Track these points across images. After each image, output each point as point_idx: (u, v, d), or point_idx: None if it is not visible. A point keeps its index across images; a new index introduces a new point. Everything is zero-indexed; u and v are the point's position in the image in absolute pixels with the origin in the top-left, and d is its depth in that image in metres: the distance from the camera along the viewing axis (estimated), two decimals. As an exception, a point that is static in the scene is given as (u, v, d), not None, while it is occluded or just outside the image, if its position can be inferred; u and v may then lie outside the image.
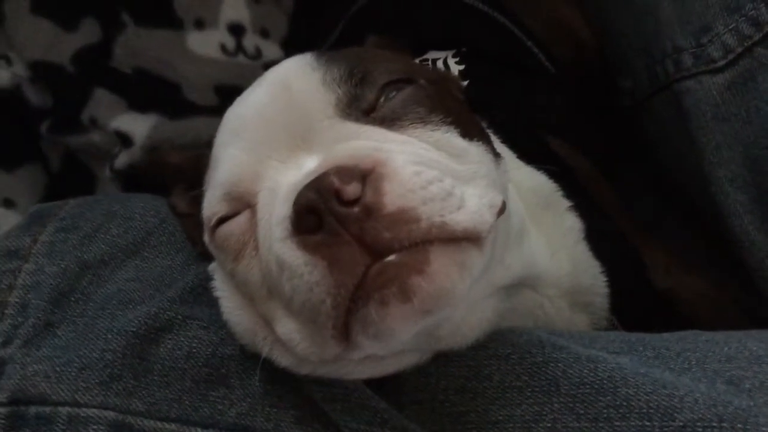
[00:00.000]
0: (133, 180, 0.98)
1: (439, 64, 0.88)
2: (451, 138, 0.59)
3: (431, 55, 0.90)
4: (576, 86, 0.97)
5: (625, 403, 0.56)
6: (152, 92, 1.02)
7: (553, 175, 0.75)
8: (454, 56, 0.89)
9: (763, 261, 0.80)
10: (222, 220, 0.59)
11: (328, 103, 0.59)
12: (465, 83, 0.84)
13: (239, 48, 1.07)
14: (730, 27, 0.80)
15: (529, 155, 0.76)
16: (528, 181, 0.72)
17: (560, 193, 0.74)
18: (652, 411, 0.55)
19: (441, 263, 0.50)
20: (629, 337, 0.64)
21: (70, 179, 1.03)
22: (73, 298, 0.66)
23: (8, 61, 1.03)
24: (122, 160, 0.97)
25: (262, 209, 0.56)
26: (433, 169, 0.53)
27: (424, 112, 0.59)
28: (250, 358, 0.62)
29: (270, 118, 0.59)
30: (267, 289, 0.57)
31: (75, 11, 1.03)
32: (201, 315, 0.65)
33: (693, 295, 0.87)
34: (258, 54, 1.07)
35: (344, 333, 0.51)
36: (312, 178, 0.51)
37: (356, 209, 0.49)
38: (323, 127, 0.57)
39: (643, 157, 0.96)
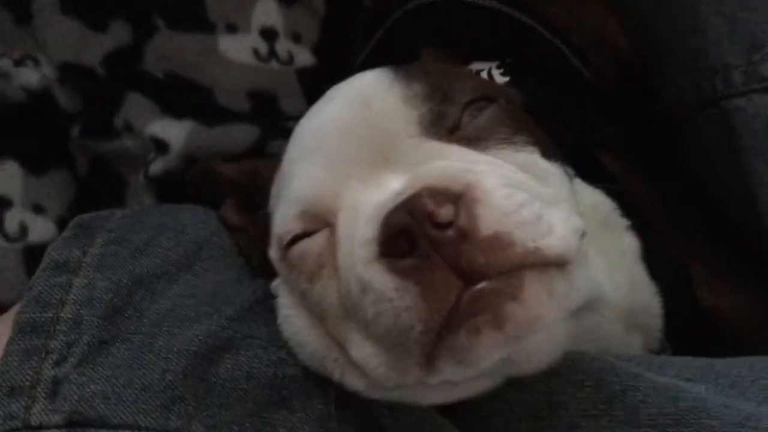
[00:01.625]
0: (168, 187, 0.96)
1: (483, 75, 0.87)
2: (535, 159, 0.58)
3: (474, 66, 0.88)
4: (616, 99, 0.96)
5: None
6: (185, 97, 0.99)
7: (609, 192, 0.74)
8: (498, 67, 0.88)
9: (808, 283, 0.79)
10: (296, 239, 0.58)
11: (411, 121, 0.57)
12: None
13: (272, 53, 1.05)
14: None
15: (581, 171, 0.75)
16: (587, 199, 0.71)
17: (618, 211, 0.73)
18: None
19: (534, 289, 0.49)
20: (698, 363, 0.63)
21: (99, 185, 1.01)
22: (126, 314, 0.64)
23: (36, 63, 1.00)
24: (157, 166, 0.95)
25: (344, 229, 0.55)
26: (523, 192, 0.52)
27: (508, 132, 0.58)
28: (312, 380, 0.61)
29: (349, 134, 0.58)
30: (343, 310, 0.56)
31: (105, 12, 1.01)
32: (259, 334, 0.64)
33: (735, 312, 0.86)
34: (290, 59, 1.06)
35: (429, 359, 0.50)
36: (402, 199, 0.50)
37: (451, 233, 0.48)
38: (406, 146, 0.56)
39: (681, 171, 0.95)
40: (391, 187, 0.54)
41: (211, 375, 0.61)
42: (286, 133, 0.99)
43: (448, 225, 0.48)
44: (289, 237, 0.58)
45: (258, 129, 0.99)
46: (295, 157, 0.61)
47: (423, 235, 0.48)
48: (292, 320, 0.61)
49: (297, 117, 1.02)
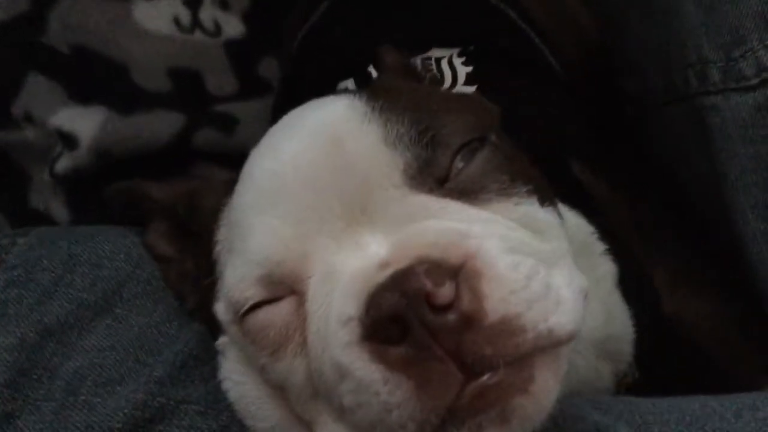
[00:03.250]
0: (78, 186, 0.84)
1: (444, 63, 0.79)
2: (535, 212, 0.51)
3: (434, 53, 0.80)
4: (581, 90, 0.88)
5: None
6: (96, 76, 0.86)
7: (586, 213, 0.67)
8: (459, 55, 0.79)
9: (781, 293, 0.75)
10: (256, 306, 0.49)
11: (395, 168, 0.48)
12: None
13: (195, 22, 0.92)
14: (767, 43, 0.73)
15: (554, 183, 0.69)
16: (567, 225, 0.64)
17: (596, 235, 0.67)
18: None
19: (544, 378, 0.43)
20: (684, 415, 0.58)
21: (-3, 179, 0.88)
22: (35, 376, 0.54)
23: None
24: (64, 163, 0.82)
25: (315, 300, 0.47)
26: (528, 257, 0.45)
27: (507, 180, 0.50)
28: None
29: (319, 181, 0.48)
30: (312, 389, 0.48)
31: None
32: (196, 396, 0.55)
33: (696, 317, 0.83)
34: (217, 30, 0.93)
35: None
36: (391, 274, 0.42)
37: (452, 318, 0.41)
38: (389, 199, 0.48)
39: (647, 163, 0.90)
40: (372, 249, 0.46)
41: None
42: (214, 121, 0.90)
43: (448, 307, 0.41)
44: (248, 305, 0.49)
45: (182, 117, 0.87)
46: (251, 203, 0.51)
47: (419, 322, 0.40)
48: (245, 389, 0.53)
49: (226, 99, 0.93)
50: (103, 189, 0.70)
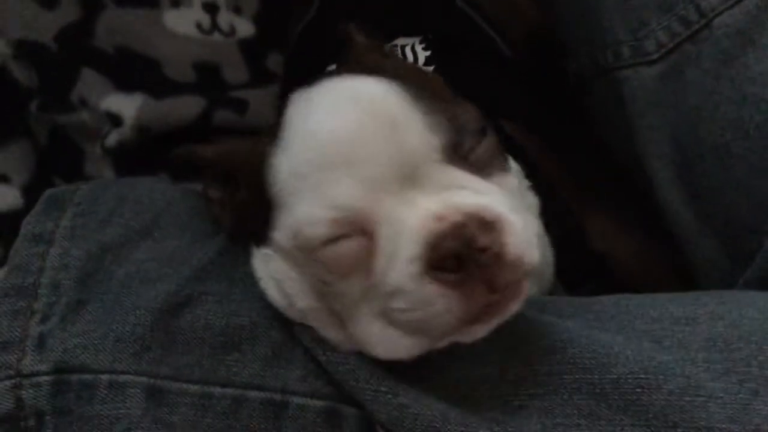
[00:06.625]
0: (123, 156, 1.05)
1: (408, 50, 0.96)
2: (512, 180, 0.70)
3: (400, 41, 0.97)
4: (527, 67, 1.06)
5: (572, 360, 0.68)
6: (135, 70, 1.07)
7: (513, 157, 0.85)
8: (420, 42, 0.96)
9: (683, 229, 0.92)
10: (330, 240, 0.64)
11: (435, 149, 0.65)
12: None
13: (214, 25, 1.13)
14: (663, 25, 0.90)
15: None
16: None
17: (522, 173, 0.83)
18: (593, 366, 0.67)
19: (526, 291, 0.65)
20: (574, 302, 0.76)
21: (58, 154, 1.09)
22: (98, 278, 0.74)
23: (-8, 40, 1.07)
24: (113, 138, 1.04)
25: (386, 241, 0.63)
26: (518, 215, 0.64)
27: (502, 160, 0.70)
28: (258, 328, 0.72)
29: (380, 152, 0.64)
30: (360, 295, 0.65)
31: None
32: (213, 290, 0.74)
33: (627, 255, 1.00)
34: (232, 31, 1.13)
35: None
36: (450, 225, 0.61)
37: (489, 257, 0.60)
38: (431, 170, 0.64)
39: (587, 133, 1.07)
40: (424, 206, 0.63)
41: (173, 327, 0.71)
42: (229, 104, 1.10)
43: (486, 249, 0.61)
44: (324, 238, 0.64)
45: (204, 100, 1.08)
46: (319, 161, 0.65)
47: (471, 259, 0.60)
48: (286, 284, 0.70)
49: (239, 86, 1.13)
50: (148, 158, 0.91)
